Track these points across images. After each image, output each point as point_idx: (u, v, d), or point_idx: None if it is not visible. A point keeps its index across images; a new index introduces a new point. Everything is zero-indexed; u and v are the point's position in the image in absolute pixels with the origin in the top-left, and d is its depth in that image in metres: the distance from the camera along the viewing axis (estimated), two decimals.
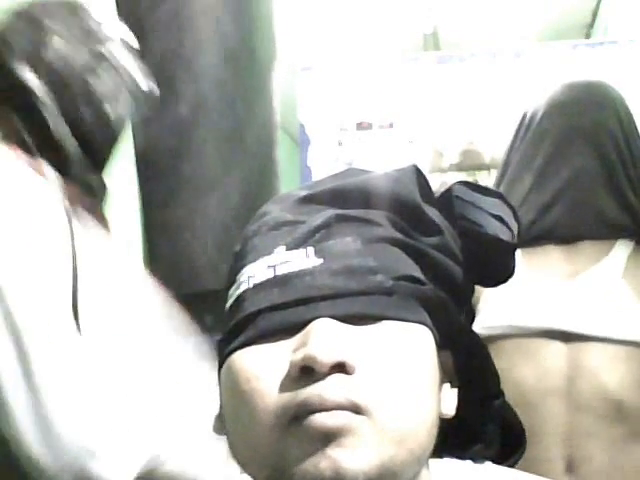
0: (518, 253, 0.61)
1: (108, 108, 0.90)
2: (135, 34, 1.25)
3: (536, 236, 1.21)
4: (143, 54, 1.26)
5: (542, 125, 1.27)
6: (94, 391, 0.75)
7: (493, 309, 1.21)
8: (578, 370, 1.16)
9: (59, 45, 0.87)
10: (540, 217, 1.22)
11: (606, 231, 1.21)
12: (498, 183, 1.31)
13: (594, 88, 1.28)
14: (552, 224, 1.22)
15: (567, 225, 1.22)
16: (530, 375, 1.18)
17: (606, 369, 1.15)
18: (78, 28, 0.89)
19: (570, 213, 1.22)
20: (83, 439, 0.73)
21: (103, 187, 0.95)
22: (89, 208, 0.88)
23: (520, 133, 1.30)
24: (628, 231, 1.21)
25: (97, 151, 0.92)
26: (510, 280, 0.62)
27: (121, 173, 1.08)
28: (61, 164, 0.86)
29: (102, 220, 0.92)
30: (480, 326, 1.16)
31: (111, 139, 0.94)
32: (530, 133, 1.28)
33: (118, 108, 0.91)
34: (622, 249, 1.20)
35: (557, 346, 1.18)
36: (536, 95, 1.32)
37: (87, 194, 0.89)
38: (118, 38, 0.94)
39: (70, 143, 0.86)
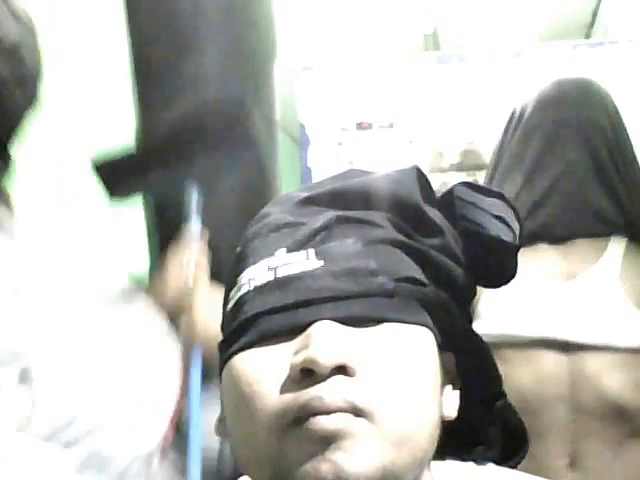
0: None
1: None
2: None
3: (529, 235, 1.18)
4: (138, 59, 1.26)
5: (531, 121, 1.25)
6: None
7: (492, 316, 1.20)
8: (579, 376, 1.16)
9: None
10: (532, 215, 1.20)
11: (599, 229, 1.20)
12: (488, 182, 1.29)
13: (582, 84, 1.28)
14: (545, 222, 1.21)
15: (560, 223, 1.21)
16: (531, 382, 1.17)
17: (606, 375, 1.14)
18: None
19: (562, 210, 1.21)
20: None
21: (5, 162, 0.93)
22: None
23: (509, 131, 1.29)
24: (621, 228, 1.20)
25: None
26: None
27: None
28: None
29: (3, 196, 0.91)
30: (479, 333, 1.16)
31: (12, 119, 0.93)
32: (519, 130, 1.27)
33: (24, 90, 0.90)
34: (616, 247, 1.19)
35: (557, 354, 1.17)
36: (526, 93, 1.31)
37: None
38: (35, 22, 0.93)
39: None
